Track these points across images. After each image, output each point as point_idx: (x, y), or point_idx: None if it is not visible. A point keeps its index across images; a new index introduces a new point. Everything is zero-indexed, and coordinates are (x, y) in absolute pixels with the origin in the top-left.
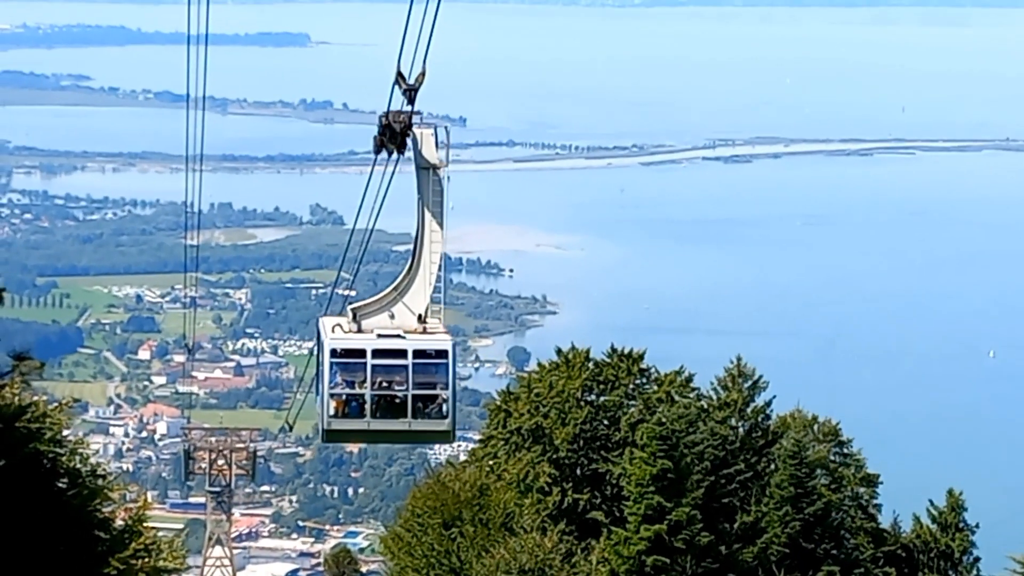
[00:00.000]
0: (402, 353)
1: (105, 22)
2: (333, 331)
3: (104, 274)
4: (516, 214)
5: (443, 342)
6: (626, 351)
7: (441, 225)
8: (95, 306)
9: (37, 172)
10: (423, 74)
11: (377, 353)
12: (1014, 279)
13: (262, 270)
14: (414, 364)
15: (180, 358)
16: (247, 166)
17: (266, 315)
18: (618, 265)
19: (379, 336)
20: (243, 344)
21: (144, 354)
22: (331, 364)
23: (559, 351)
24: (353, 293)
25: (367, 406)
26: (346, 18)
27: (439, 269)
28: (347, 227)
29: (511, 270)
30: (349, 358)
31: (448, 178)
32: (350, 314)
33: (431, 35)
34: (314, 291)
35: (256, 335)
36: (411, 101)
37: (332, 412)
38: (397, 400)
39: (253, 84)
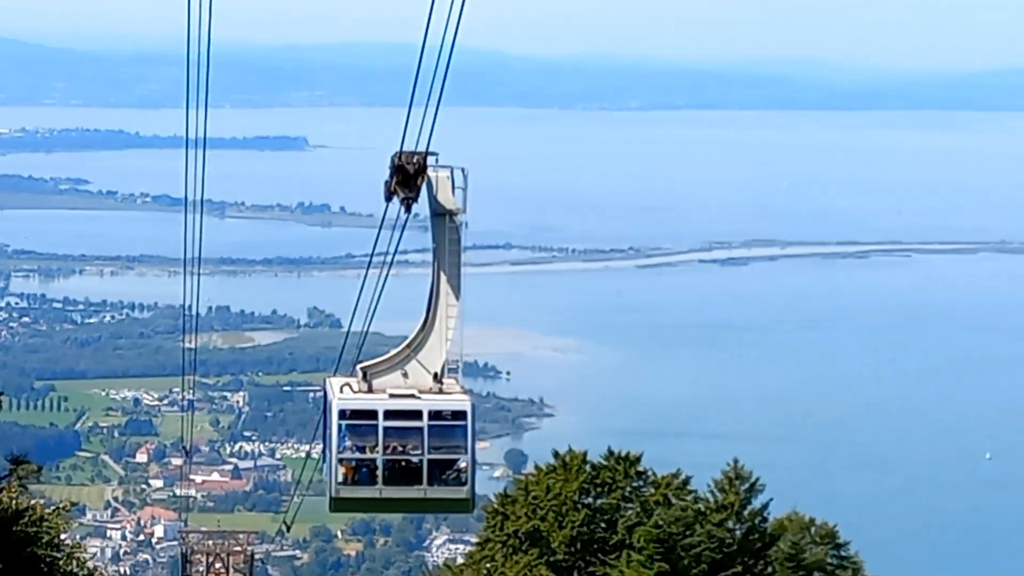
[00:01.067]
0: (417, 414)
1: (104, 126)
2: (341, 391)
3: (102, 377)
4: (514, 317)
5: (461, 402)
6: (623, 454)
7: (458, 276)
8: (93, 409)
9: (35, 275)
10: (422, 179)
11: (390, 414)
12: (1011, 382)
13: (259, 373)
14: (430, 426)
15: (177, 461)
16: (245, 269)
17: (263, 418)
18: (615, 368)
19: (391, 396)
20: (240, 447)
21: (142, 457)
22: (339, 426)
23: (556, 454)
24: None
25: (379, 472)
26: (344, 122)
27: (456, 324)
28: (344, 330)
29: (508, 373)
30: (359, 420)
31: (466, 225)
32: (360, 373)
33: (430, 137)
34: (311, 394)
35: (253, 438)
36: (408, 209)
37: (341, 479)
38: (411, 465)
39: (251, 187)
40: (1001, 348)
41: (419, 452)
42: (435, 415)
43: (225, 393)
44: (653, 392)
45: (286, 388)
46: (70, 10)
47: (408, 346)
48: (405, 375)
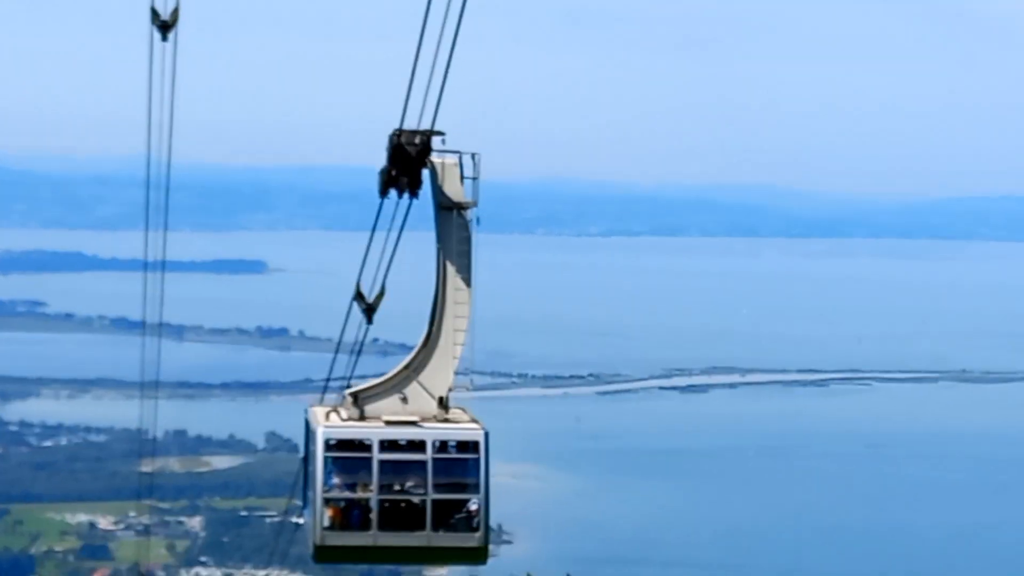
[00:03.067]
0: (419, 446)
1: (62, 248)
2: (327, 419)
3: (57, 500)
4: None
5: (472, 432)
6: None
7: (468, 280)
8: (48, 533)
9: None
10: (382, 294)
11: (386, 446)
12: (967, 511)
13: (216, 498)
14: (435, 460)
15: None
16: (202, 393)
17: (220, 543)
18: (574, 494)
19: (388, 424)
20: (196, 573)
21: None
22: (325, 460)
23: None
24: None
25: (373, 515)
26: (303, 246)
27: (467, 339)
28: (302, 455)
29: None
30: (349, 452)
31: (477, 220)
32: (349, 399)
33: (390, 261)
34: (268, 519)
35: (210, 563)
36: (370, 320)
37: (327, 523)
38: (413, 507)
39: (209, 311)
40: (959, 477)
41: (422, 491)
42: (441, 447)
43: (181, 518)
44: (612, 519)
45: (243, 513)
46: (30, 131)
47: (407, 366)
48: (404, 400)
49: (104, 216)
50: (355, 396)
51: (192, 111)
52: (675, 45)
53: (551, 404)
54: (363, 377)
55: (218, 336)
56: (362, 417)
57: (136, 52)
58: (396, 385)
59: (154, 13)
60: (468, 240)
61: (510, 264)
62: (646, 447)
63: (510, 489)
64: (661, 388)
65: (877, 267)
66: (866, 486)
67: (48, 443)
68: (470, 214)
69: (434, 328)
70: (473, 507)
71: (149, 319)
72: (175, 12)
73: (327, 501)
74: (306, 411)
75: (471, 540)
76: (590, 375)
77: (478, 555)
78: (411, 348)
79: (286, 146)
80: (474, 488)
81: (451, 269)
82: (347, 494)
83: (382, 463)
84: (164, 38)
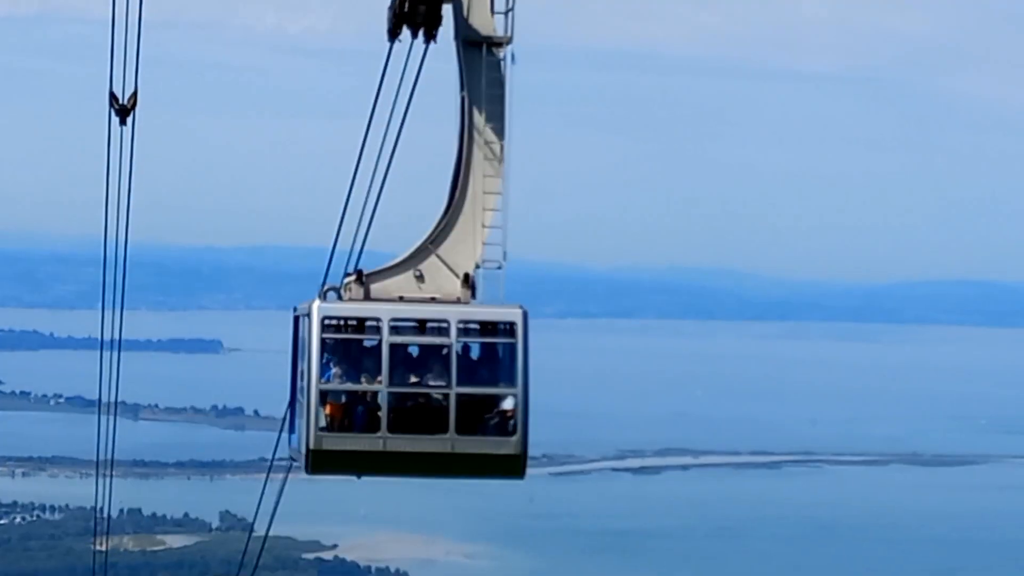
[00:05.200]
0: (441, 327)
1: (18, 327)
2: (324, 298)
3: None
4: (425, 523)
5: (508, 312)
6: None
7: (501, 133)
8: None
9: None
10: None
11: (400, 327)
12: None
13: None
14: (462, 347)
15: None
16: (157, 471)
17: None
18: (527, 575)
19: (402, 301)
20: None
21: None
22: (322, 344)
23: None
24: None
25: (382, 413)
26: (259, 325)
27: (500, 203)
28: (257, 534)
29: None
30: (353, 335)
31: (512, 58)
32: (351, 281)
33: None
34: None
35: None
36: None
37: (324, 424)
38: (432, 405)
39: (165, 390)
40: (912, 559)
41: (444, 384)
42: (469, 329)
43: None
44: None
45: None
46: None
47: (426, 241)
48: (420, 277)
49: (61, 295)
50: (359, 275)
51: (151, 191)
52: (631, 127)
53: (504, 484)
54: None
55: (174, 415)
56: (367, 297)
57: (96, 132)
58: (410, 261)
59: (113, 97)
60: (501, 83)
61: None
62: (599, 528)
63: (463, 569)
64: (614, 469)
65: (831, 350)
66: (818, 569)
67: (2, 521)
68: (504, 51)
69: (458, 192)
70: (508, 406)
71: (104, 397)
72: (133, 96)
73: (324, 395)
74: (295, 309)
75: (505, 446)
76: (543, 456)
77: (513, 465)
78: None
79: (244, 226)
80: (509, 381)
81: (479, 118)
82: (349, 386)
83: (394, 348)
84: (123, 122)
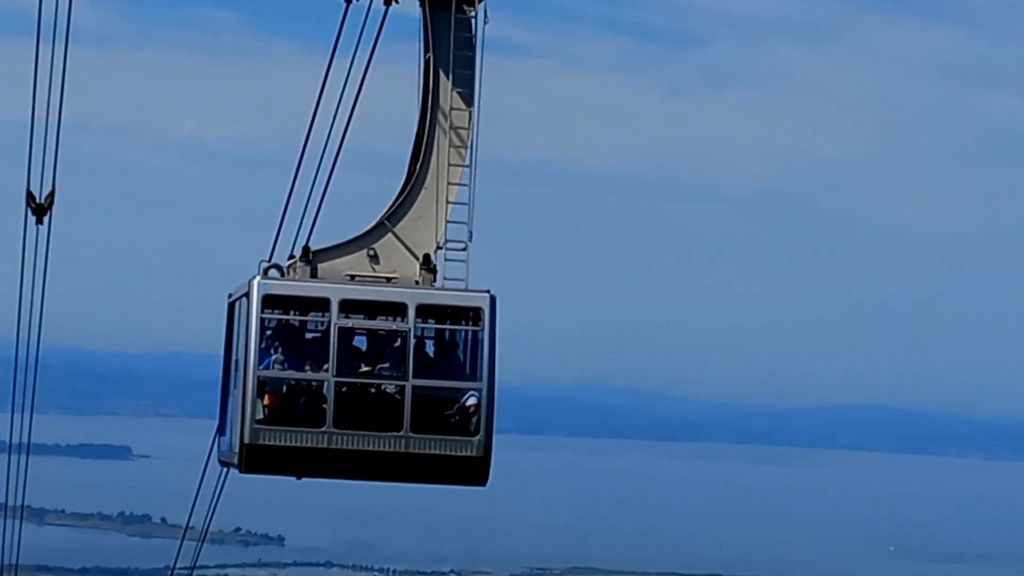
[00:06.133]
0: (397, 310)
1: None
2: (267, 274)
3: None
4: None
5: (474, 296)
6: None
7: (470, 99)
8: None
9: None
10: None
11: (350, 307)
12: None
13: None
14: (421, 332)
15: None
16: None
17: None
18: None
19: (354, 280)
20: None
21: None
22: (262, 326)
23: None
24: None
25: (328, 406)
26: (168, 432)
27: (467, 177)
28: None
29: None
30: (297, 314)
31: (486, 19)
32: (298, 258)
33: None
34: None
35: None
36: None
37: (261, 416)
38: (385, 397)
39: (72, 495)
40: None
41: (399, 376)
42: (429, 311)
43: None
44: None
45: None
46: None
47: (383, 216)
48: (374, 257)
49: None
50: (305, 251)
51: (63, 293)
52: (544, 243)
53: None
54: (208, 568)
55: (80, 520)
56: (314, 276)
57: (10, 232)
58: (363, 239)
59: (30, 196)
60: (471, 44)
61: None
62: None
63: None
64: None
65: (741, 471)
66: None
67: None
68: (475, 10)
69: (419, 164)
70: (471, 401)
71: (10, 501)
72: (51, 196)
73: (262, 384)
74: (229, 295)
75: (467, 447)
76: (451, 571)
77: (475, 470)
78: None
79: (156, 333)
80: (473, 374)
81: (446, 83)
82: (292, 373)
83: (343, 333)
84: (39, 221)
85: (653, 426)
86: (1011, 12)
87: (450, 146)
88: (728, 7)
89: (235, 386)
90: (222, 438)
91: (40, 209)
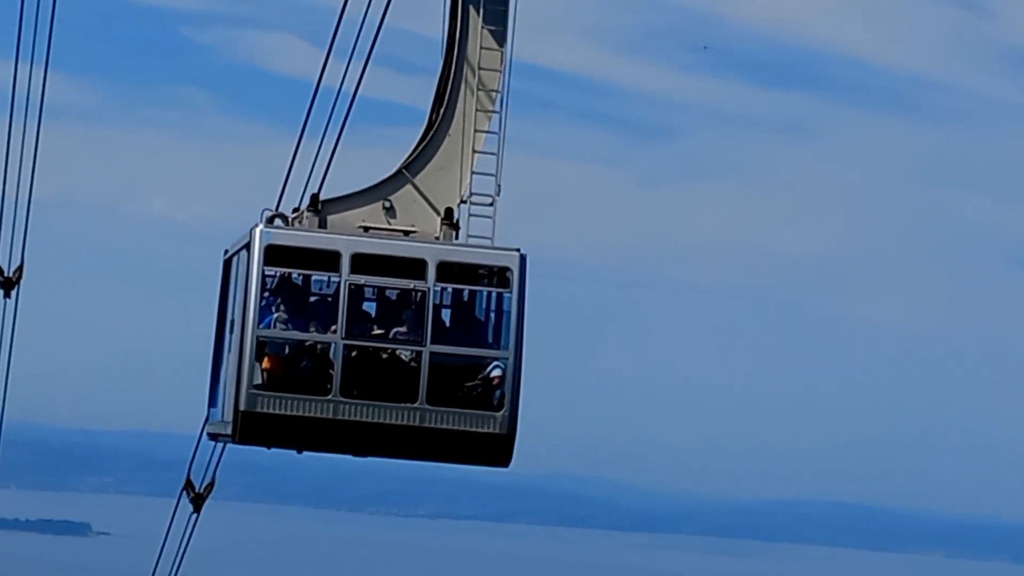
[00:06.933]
0: (415, 267)
1: None
2: (271, 224)
3: None
4: None
5: (502, 255)
6: None
7: (502, 39)
8: None
9: None
10: None
11: (363, 262)
12: None
13: None
14: (440, 294)
15: None
16: None
17: None
18: None
19: (367, 231)
20: None
21: None
22: (263, 281)
23: None
24: None
25: (335, 371)
26: (129, 510)
27: (496, 126)
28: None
29: None
30: (303, 269)
31: None
32: (306, 209)
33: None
34: None
35: None
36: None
37: (259, 380)
38: (399, 364)
39: (30, 571)
40: None
41: (416, 341)
42: (450, 272)
43: None
44: None
45: None
46: None
47: (402, 165)
48: (390, 209)
49: None
50: (314, 200)
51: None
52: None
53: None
54: None
55: None
56: (323, 228)
57: None
58: (379, 188)
59: None
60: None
61: (336, 541)
62: None
63: None
64: None
65: (702, 564)
66: None
67: None
68: None
69: (443, 109)
70: (495, 373)
71: None
72: (19, 270)
73: (262, 346)
74: (225, 252)
75: (489, 422)
76: None
77: (498, 448)
78: None
79: (120, 410)
80: (498, 342)
81: (476, 19)
82: (296, 334)
83: (355, 291)
84: (7, 295)
85: (619, 516)
86: (986, 113)
87: (480, 90)
88: (705, 100)
89: (230, 349)
90: (213, 410)
91: (8, 283)
